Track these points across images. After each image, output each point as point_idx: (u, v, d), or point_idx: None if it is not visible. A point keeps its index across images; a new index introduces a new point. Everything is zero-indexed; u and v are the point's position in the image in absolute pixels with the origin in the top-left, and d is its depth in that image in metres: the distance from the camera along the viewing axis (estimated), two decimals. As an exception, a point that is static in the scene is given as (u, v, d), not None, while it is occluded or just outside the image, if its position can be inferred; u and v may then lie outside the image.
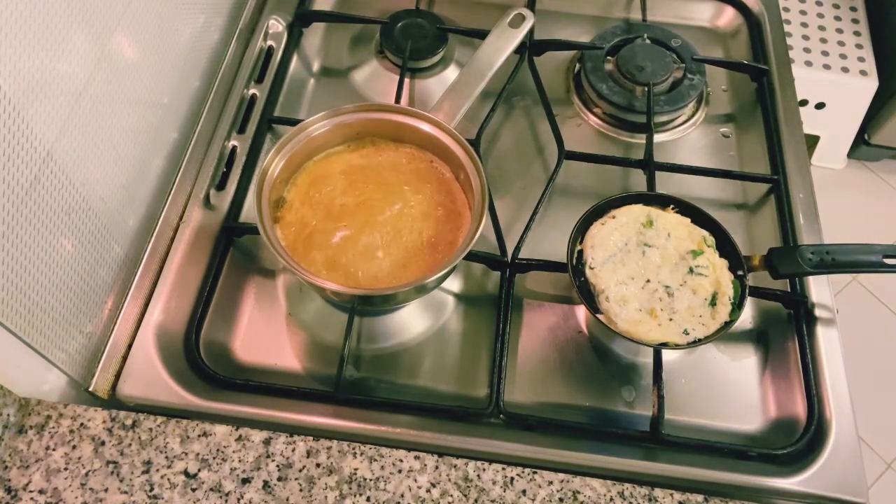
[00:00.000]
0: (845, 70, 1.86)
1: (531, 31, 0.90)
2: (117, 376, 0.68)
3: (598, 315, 0.70)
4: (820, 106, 1.91)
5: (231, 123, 0.85)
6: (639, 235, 0.74)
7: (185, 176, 0.81)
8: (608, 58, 0.94)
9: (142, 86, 0.72)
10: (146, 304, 0.73)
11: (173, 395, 0.68)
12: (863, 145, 2.05)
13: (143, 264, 0.74)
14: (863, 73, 1.86)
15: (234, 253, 0.78)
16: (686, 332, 0.69)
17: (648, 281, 0.71)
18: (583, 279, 0.72)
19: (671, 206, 0.76)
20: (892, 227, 2.00)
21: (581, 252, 0.73)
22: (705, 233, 0.74)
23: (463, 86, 0.75)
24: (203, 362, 0.70)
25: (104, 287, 0.69)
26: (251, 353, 0.73)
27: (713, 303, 0.70)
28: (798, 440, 0.69)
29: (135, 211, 0.74)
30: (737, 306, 0.70)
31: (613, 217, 0.75)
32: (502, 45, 0.79)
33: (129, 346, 0.70)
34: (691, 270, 0.72)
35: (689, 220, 0.75)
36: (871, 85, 1.85)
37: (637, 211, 0.75)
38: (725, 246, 0.74)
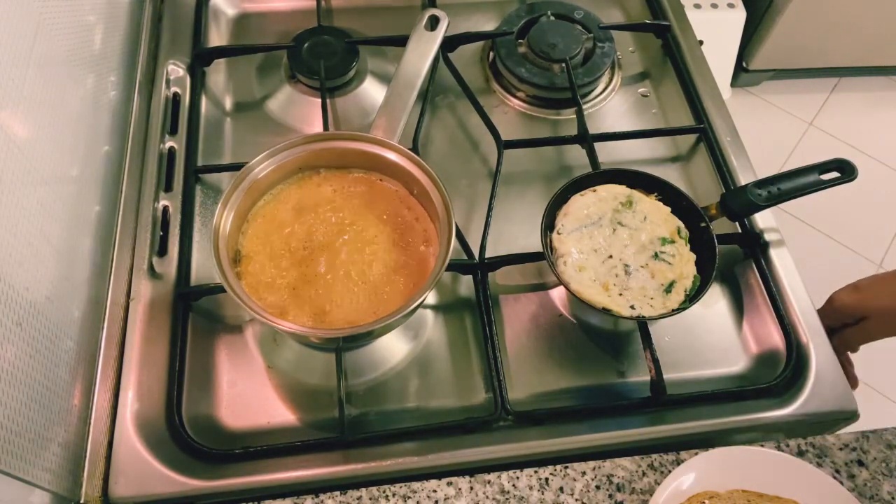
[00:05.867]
0: (714, 6, 1.95)
1: (441, 29, 0.89)
2: (105, 479, 0.63)
3: (556, 270, 0.70)
4: (699, 44, 2.00)
5: (155, 183, 0.80)
6: (614, 213, 0.74)
7: (122, 250, 0.75)
8: (519, 41, 0.94)
9: (43, 163, 0.64)
10: (116, 395, 0.68)
11: (172, 484, 0.63)
12: (742, 73, 2.17)
13: (101, 353, 0.69)
14: (730, 5, 1.96)
15: (194, 318, 0.74)
16: (632, 307, 0.69)
17: (610, 257, 0.72)
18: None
19: (655, 194, 0.76)
20: (786, 141, 2.14)
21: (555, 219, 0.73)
22: (681, 224, 0.75)
23: (396, 99, 0.74)
24: (193, 440, 0.66)
25: (66, 388, 0.64)
26: (240, 418, 0.69)
27: (668, 290, 0.71)
28: (784, 369, 0.72)
29: (78, 299, 0.68)
30: (689, 299, 0.71)
31: (594, 191, 0.75)
32: (424, 50, 0.78)
33: (110, 444, 0.65)
34: (656, 255, 0.72)
35: (668, 209, 0.76)
36: (740, 15, 1.96)
37: (619, 190, 0.76)
38: (695, 224, 0.74)
